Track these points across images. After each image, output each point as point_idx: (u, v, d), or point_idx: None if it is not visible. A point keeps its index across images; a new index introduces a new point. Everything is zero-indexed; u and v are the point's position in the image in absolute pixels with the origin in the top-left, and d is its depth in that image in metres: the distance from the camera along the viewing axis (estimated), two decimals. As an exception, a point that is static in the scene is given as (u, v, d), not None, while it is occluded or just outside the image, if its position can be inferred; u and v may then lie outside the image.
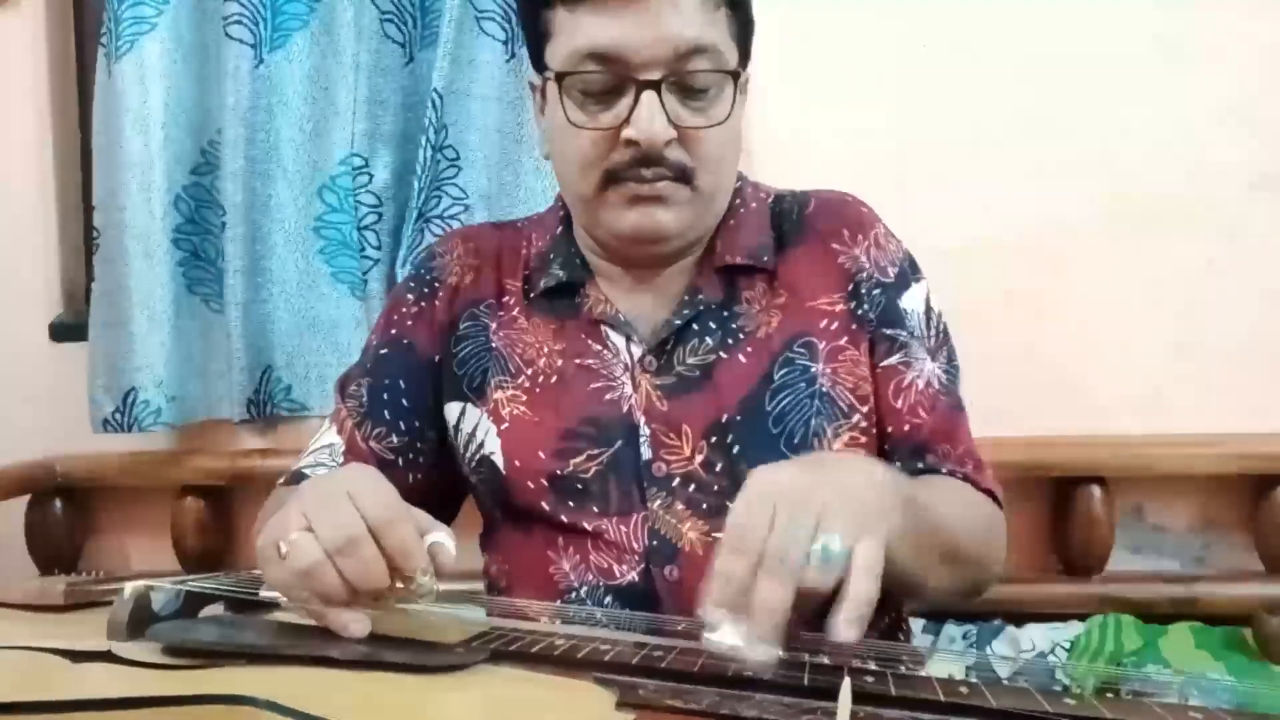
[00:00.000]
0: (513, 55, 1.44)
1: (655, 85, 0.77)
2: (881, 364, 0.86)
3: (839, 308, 0.86)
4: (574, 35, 0.79)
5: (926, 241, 0.94)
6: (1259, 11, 1.36)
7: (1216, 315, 1.37)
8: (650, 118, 0.77)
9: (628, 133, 0.78)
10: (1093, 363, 1.40)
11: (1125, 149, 1.38)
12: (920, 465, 0.85)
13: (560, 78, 0.80)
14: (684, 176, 0.80)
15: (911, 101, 1.41)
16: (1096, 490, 1.34)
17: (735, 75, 0.82)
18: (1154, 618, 1.27)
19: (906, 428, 0.85)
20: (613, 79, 0.78)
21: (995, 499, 0.87)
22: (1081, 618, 1.27)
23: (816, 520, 0.57)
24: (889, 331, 0.87)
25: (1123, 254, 1.39)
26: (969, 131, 1.40)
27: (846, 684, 0.53)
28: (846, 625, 0.55)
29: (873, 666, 0.61)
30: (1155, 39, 1.37)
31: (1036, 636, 1.24)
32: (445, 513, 0.94)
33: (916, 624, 1.26)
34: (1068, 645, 1.23)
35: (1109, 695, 0.60)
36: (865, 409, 0.85)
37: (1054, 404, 1.37)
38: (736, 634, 0.56)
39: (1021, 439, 1.32)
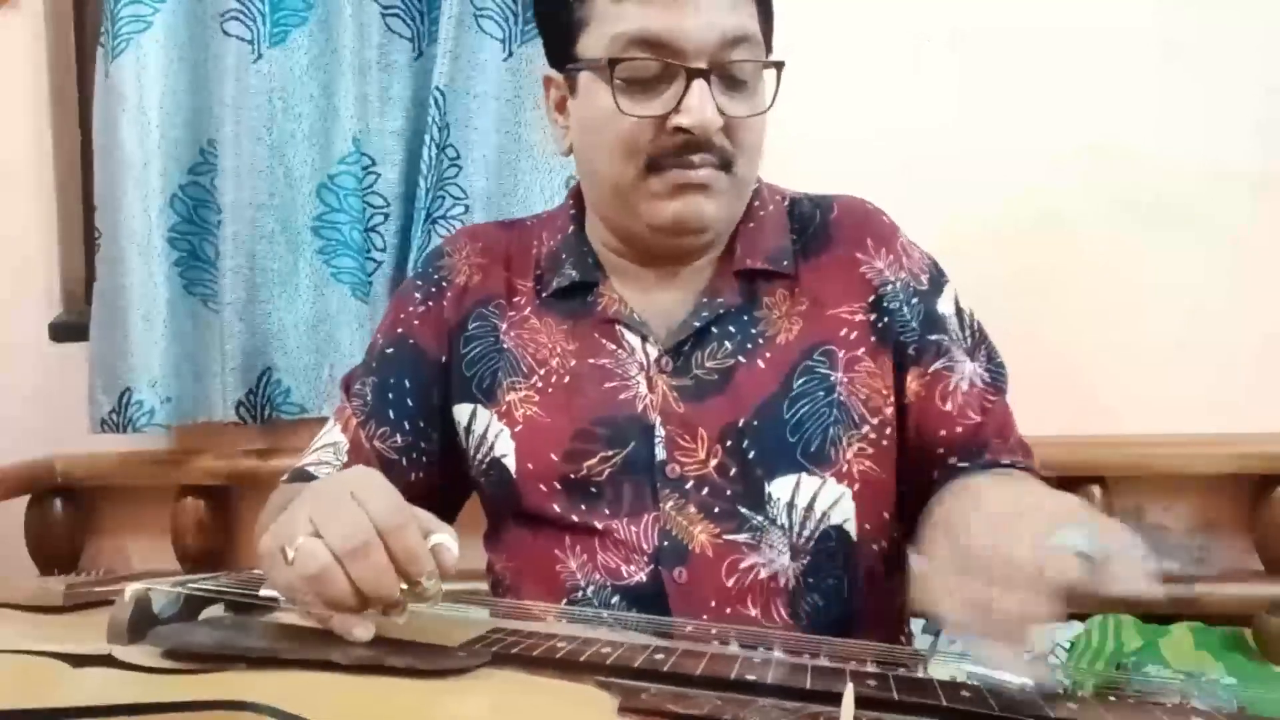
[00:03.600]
0: (510, 54, 1.44)
1: (705, 74, 0.77)
2: (929, 370, 0.86)
3: (859, 318, 0.86)
4: (618, 22, 0.78)
5: (928, 241, 0.94)
6: (1264, 12, 1.36)
7: (1218, 316, 1.37)
8: (702, 105, 0.77)
9: (679, 120, 0.78)
10: (1093, 363, 1.40)
11: (1128, 149, 1.38)
12: (981, 462, 0.85)
13: (612, 64, 0.79)
14: (726, 165, 0.81)
15: (915, 100, 1.41)
16: (1096, 490, 1.34)
17: (779, 66, 0.82)
18: (1154, 618, 1.27)
19: (959, 429, 0.85)
20: (660, 67, 0.78)
21: (1047, 483, 0.88)
22: (1081, 618, 1.27)
23: (1059, 527, 0.58)
24: (933, 338, 0.87)
25: (1124, 254, 1.39)
26: (972, 130, 1.40)
27: (849, 690, 0.53)
28: (1141, 576, 0.56)
29: (874, 669, 0.61)
30: (1160, 39, 1.37)
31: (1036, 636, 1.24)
32: (447, 512, 0.94)
33: (916, 624, 1.25)
34: (1068, 645, 1.23)
35: (1111, 698, 0.60)
36: (875, 420, 0.85)
37: (1054, 404, 1.36)
38: (1003, 663, 0.56)
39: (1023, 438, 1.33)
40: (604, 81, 0.79)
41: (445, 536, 0.64)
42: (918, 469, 0.86)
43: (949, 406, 0.86)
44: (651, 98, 0.79)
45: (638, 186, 0.81)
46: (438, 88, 1.40)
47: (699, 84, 0.77)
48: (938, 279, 0.90)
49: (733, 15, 0.79)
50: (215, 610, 0.72)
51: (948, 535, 0.62)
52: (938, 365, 0.86)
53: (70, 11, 1.61)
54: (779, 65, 0.82)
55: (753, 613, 0.81)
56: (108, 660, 0.61)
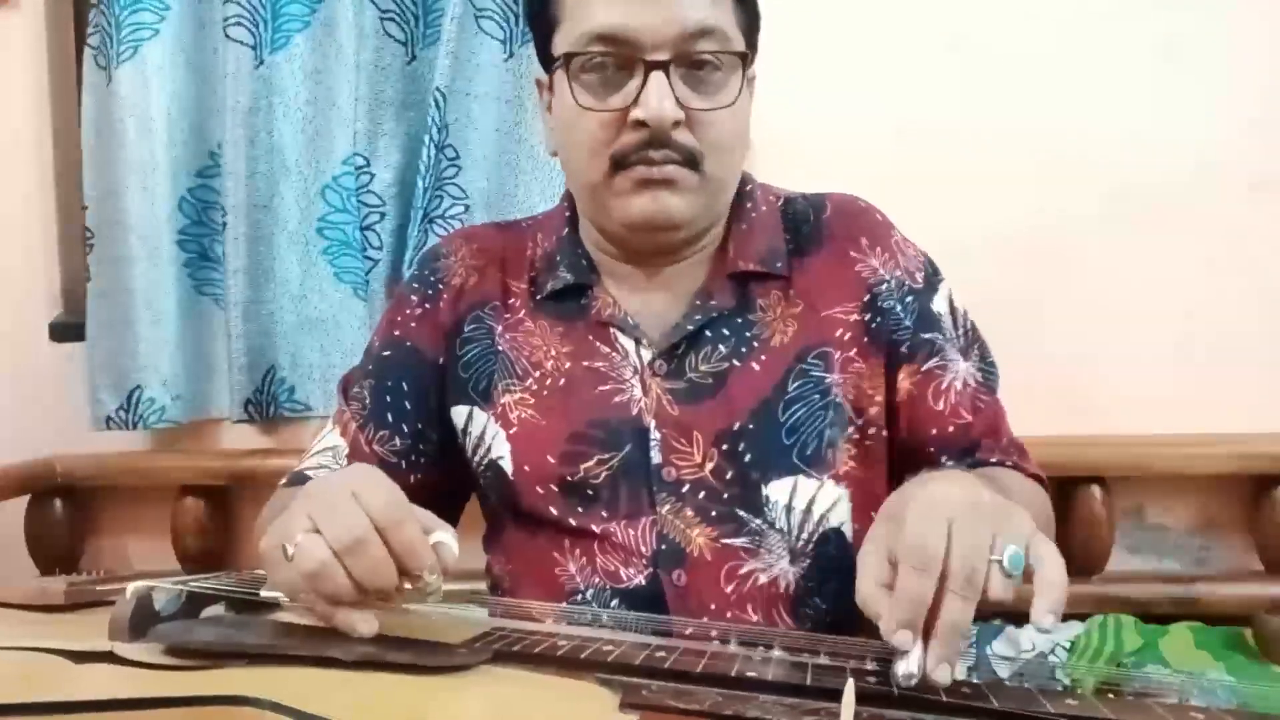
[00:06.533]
0: (511, 55, 1.44)
1: (663, 66, 0.77)
2: (922, 369, 0.86)
3: (853, 318, 0.86)
4: (583, 19, 0.79)
5: (925, 240, 0.94)
6: (1260, 11, 1.36)
7: (1216, 315, 1.38)
8: (659, 98, 0.77)
9: (636, 114, 0.77)
10: (1092, 363, 1.40)
11: (1125, 148, 1.38)
12: (970, 461, 0.86)
13: (568, 59, 0.79)
14: (692, 161, 0.80)
15: (911, 100, 1.41)
16: (1096, 490, 1.34)
17: (743, 56, 0.81)
18: (1154, 618, 1.27)
19: (951, 429, 0.86)
20: (620, 61, 0.78)
21: (1042, 482, 0.89)
22: (1081, 618, 1.27)
23: (993, 532, 0.57)
24: (926, 337, 0.87)
25: (1123, 253, 1.39)
26: (968, 130, 1.40)
27: (850, 685, 0.53)
28: (1048, 613, 0.56)
29: (874, 666, 0.61)
30: (1157, 38, 1.38)
31: (1036, 636, 1.24)
32: (448, 514, 0.93)
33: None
34: (1068, 645, 1.23)
35: (1110, 696, 0.60)
36: (860, 420, 0.85)
37: (1054, 404, 1.37)
38: (916, 659, 0.56)
39: (1021, 439, 1.32)
40: (568, 78, 0.80)
41: (445, 535, 0.64)
42: (911, 468, 0.86)
43: (941, 405, 0.86)
44: (613, 93, 0.79)
45: (606, 184, 0.81)
46: (438, 88, 1.41)
47: (656, 76, 0.77)
48: (932, 277, 0.90)
49: (699, 8, 0.78)
50: (216, 609, 0.72)
51: (884, 521, 0.63)
52: (930, 364, 0.86)
53: (70, 11, 1.62)
54: (742, 55, 0.81)
55: (755, 619, 0.81)
56: (109, 657, 0.61)
